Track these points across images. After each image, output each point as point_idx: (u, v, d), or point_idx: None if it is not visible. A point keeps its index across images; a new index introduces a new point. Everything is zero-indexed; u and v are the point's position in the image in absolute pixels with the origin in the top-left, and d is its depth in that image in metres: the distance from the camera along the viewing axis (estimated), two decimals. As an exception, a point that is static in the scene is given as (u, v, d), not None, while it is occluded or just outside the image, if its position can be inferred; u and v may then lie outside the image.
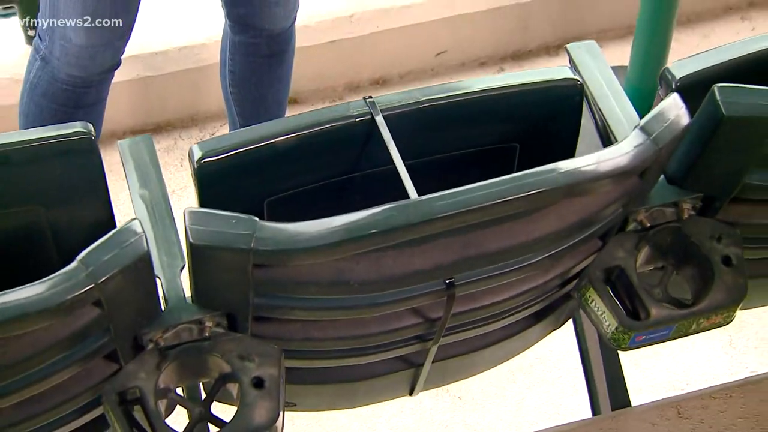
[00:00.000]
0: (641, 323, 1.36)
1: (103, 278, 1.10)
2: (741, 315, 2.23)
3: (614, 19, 3.04)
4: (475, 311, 1.37)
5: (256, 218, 1.13)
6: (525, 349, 1.63)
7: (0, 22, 2.69)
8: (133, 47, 2.15)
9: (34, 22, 2.49)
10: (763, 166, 1.33)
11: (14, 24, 2.67)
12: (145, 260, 1.15)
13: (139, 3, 2.04)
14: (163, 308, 1.28)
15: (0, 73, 2.54)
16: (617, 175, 1.20)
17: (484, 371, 1.64)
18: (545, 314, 1.52)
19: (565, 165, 1.17)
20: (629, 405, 1.70)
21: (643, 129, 1.21)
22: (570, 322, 1.75)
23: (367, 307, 1.28)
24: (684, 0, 2.62)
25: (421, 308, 1.32)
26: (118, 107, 2.40)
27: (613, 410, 1.69)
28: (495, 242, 1.24)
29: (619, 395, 1.71)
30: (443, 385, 1.70)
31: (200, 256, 1.16)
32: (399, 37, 2.80)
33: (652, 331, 1.38)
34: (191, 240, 1.13)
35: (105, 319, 1.17)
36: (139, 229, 1.14)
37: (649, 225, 1.38)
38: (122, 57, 2.09)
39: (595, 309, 1.40)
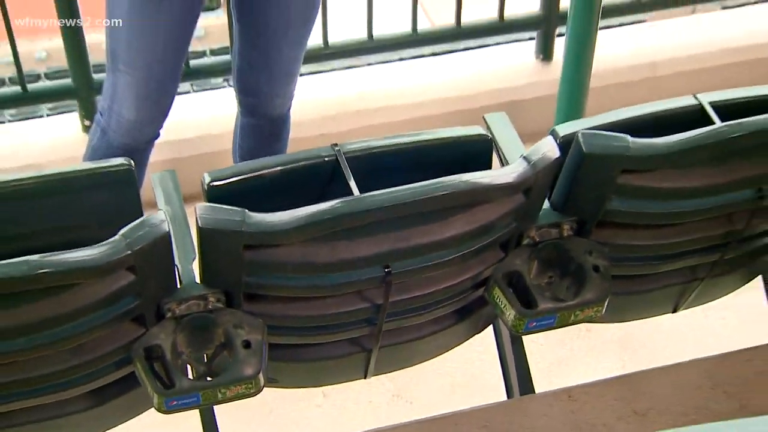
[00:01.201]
0: (532, 311, 1.67)
1: (137, 247, 1.41)
2: (634, 342, 2.54)
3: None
4: (409, 300, 1.67)
5: (246, 210, 1.46)
6: (455, 345, 1.92)
7: (60, 116, 3.06)
8: (164, 134, 2.48)
9: (88, 116, 2.87)
10: (620, 195, 1.64)
11: (71, 118, 3.00)
12: (167, 240, 1.46)
13: (174, 96, 2.39)
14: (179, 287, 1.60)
15: (63, 152, 2.88)
16: (506, 188, 1.53)
17: (422, 361, 1.93)
18: (467, 314, 1.83)
19: (467, 176, 1.49)
20: (533, 392, 1.98)
21: (524, 158, 1.54)
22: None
23: (326, 287, 1.59)
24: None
25: (368, 293, 1.63)
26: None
27: (521, 396, 1.98)
28: (420, 238, 1.54)
29: (526, 385, 2.00)
30: (390, 371, 1.95)
31: (206, 238, 1.47)
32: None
33: (541, 319, 1.69)
34: (200, 225, 1.45)
35: (136, 284, 1.46)
36: (163, 217, 1.46)
37: (538, 240, 1.70)
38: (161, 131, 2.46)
39: (500, 303, 1.70)
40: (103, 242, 1.41)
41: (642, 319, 2.05)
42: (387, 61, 3.31)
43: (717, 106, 1.71)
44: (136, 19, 2.19)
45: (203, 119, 2.89)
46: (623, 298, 1.87)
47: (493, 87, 3.13)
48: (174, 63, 2.34)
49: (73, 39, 2.79)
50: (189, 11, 2.24)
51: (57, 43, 2.83)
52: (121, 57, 2.27)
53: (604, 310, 1.71)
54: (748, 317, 2.62)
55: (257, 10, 2.31)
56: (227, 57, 2.87)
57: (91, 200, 1.63)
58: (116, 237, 1.42)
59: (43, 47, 9.79)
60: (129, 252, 1.41)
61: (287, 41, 2.39)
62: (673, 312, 2.01)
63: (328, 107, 3.07)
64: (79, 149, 2.65)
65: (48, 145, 2.90)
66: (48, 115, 3.36)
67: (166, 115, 2.40)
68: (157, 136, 2.43)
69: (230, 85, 2.58)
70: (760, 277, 2.09)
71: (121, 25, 2.22)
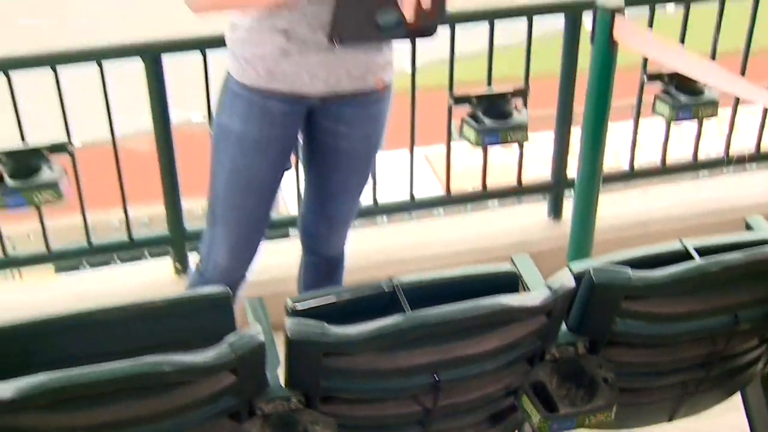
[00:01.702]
0: (555, 415, 1.82)
1: (240, 352, 1.59)
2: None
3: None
4: (453, 405, 1.82)
5: (325, 323, 1.64)
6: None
7: (155, 259, 3.28)
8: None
9: (179, 260, 3.08)
10: (624, 318, 1.82)
11: (165, 262, 3.19)
12: (262, 348, 1.63)
13: (260, 244, 2.56)
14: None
15: (158, 289, 3.01)
16: (532, 310, 1.71)
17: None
18: (500, 419, 1.97)
19: (500, 299, 1.67)
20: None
21: (546, 286, 1.72)
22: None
23: (387, 391, 1.76)
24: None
25: (420, 398, 1.78)
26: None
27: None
28: (463, 351, 1.71)
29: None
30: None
31: (293, 346, 1.64)
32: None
33: (562, 421, 1.84)
34: (289, 335, 1.63)
35: (236, 385, 1.64)
36: (260, 330, 1.64)
37: (558, 357, 1.86)
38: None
39: (528, 409, 1.86)
40: (212, 347, 1.59)
41: (642, 426, 2.17)
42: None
43: (698, 249, 1.88)
44: (233, 182, 2.41)
45: (276, 263, 3.05)
46: (627, 408, 2.01)
47: (513, 240, 3.31)
48: (263, 218, 2.52)
49: (172, 198, 3.03)
50: (278, 170, 2.44)
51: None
52: (219, 212, 2.47)
53: (612, 416, 1.86)
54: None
55: (322, 173, 2.52)
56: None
57: (197, 320, 1.82)
58: (223, 344, 1.60)
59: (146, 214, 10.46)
60: (233, 356, 1.58)
61: (344, 198, 2.59)
62: (668, 421, 2.14)
63: (378, 252, 3.26)
64: (170, 287, 2.85)
65: (146, 283, 3.10)
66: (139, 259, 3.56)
67: (253, 260, 2.56)
68: (246, 278, 2.59)
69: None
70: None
71: (220, 187, 2.44)
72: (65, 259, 3.26)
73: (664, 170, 3.53)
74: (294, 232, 2.86)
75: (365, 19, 2.19)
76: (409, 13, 2.12)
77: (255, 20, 2.24)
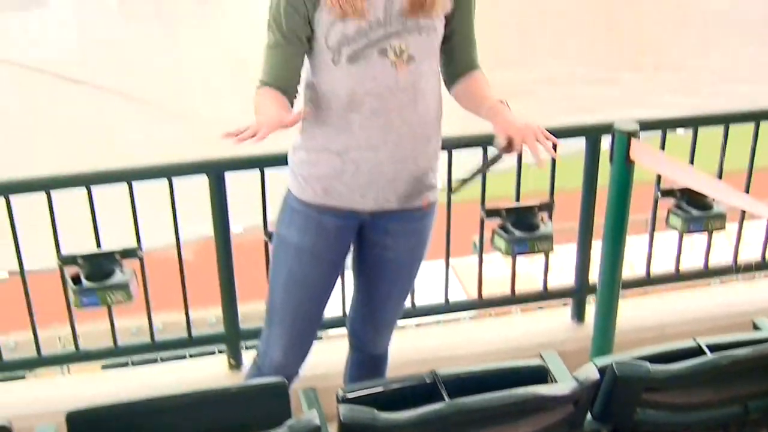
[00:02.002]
0: (581, 496, 1.87)
1: (301, 436, 1.67)
2: None
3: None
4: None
5: (374, 409, 1.71)
6: None
7: (208, 356, 3.37)
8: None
9: (233, 356, 3.16)
10: (645, 408, 1.88)
11: (220, 357, 3.23)
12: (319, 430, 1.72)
13: (311, 344, 2.61)
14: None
15: (214, 383, 3.07)
16: (560, 398, 1.77)
17: None
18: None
19: (532, 388, 1.74)
20: None
21: (573, 377, 1.79)
22: None
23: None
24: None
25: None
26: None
27: None
28: (498, 436, 1.79)
29: None
30: None
31: (346, 431, 1.72)
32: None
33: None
34: (342, 420, 1.71)
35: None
36: (316, 416, 1.72)
37: (584, 444, 1.92)
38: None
39: (556, 491, 1.91)
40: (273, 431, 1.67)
41: None
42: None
43: (710, 346, 1.95)
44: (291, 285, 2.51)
45: (324, 359, 3.10)
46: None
47: (540, 341, 3.35)
48: (316, 319, 2.61)
49: (229, 299, 3.11)
50: (331, 278, 2.54)
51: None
52: (276, 314, 2.56)
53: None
54: None
55: (369, 281, 2.61)
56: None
57: (259, 407, 1.91)
58: (282, 428, 1.68)
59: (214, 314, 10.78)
60: (290, 441, 1.66)
61: (389, 304, 2.67)
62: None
63: (417, 351, 3.28)
64: (225, 380, 2.92)
65: (203, 377, 3.17)
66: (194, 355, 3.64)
67: (306, 357, 2.62)
68: (299, 373, 2.63)
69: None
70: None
71: (278, 291, 2.54)
72: (130, 354, 3.33)
73: (678, 277, 3.59)
74: (342, 331, 2.93)
75: (483, 167, 2.34)
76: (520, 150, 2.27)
77: (314, 143, 2.37)
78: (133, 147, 17.46)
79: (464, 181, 2.34)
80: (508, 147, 2.25)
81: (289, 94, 2.36)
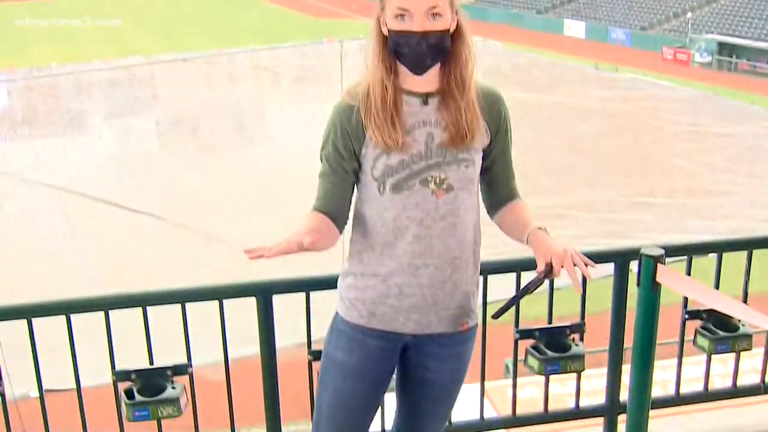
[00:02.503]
0: None
1: None
2: None
3: None
4: None
5: None
6: None
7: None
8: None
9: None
10: None
11: None
12: None
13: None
14: None
15: None
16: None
17: None
18: None
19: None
20: None
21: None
22: None
23: None
24: None
25: None
26: None
27: None
28: None
29: None
30: None
31: None
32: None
33: None
34: None
35: None
36: None
37: None
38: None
39: None
40: None
41: None
42: None
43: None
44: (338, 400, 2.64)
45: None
46: None
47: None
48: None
49: (272, 415, 3.24)
50: (376, 395, 2.67)
51: None
52: (323, 428, 2.69)
53: None
54: None
55: (412, 400, 2.74)
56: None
57: None
58: None
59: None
60: None
61: (431, 423, 2.79)
62: None
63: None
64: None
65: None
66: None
67: None
68: None
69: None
70: None
71: (324, 406, 2.66)
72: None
73: (707, 396, 3.67)
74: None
75: (523, 292, 2.50)
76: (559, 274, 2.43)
77: (361, 268, 2.56)
78: (176, 268, 17.78)
79: (506, 308, 2.50)
80: (549, 272, 2.40)
81: (338, 220, 2.56)
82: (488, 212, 2.70)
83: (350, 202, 2.58)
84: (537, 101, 32.56)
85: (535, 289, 2.49)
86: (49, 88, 38.03)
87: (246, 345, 3.94)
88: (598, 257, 3.36)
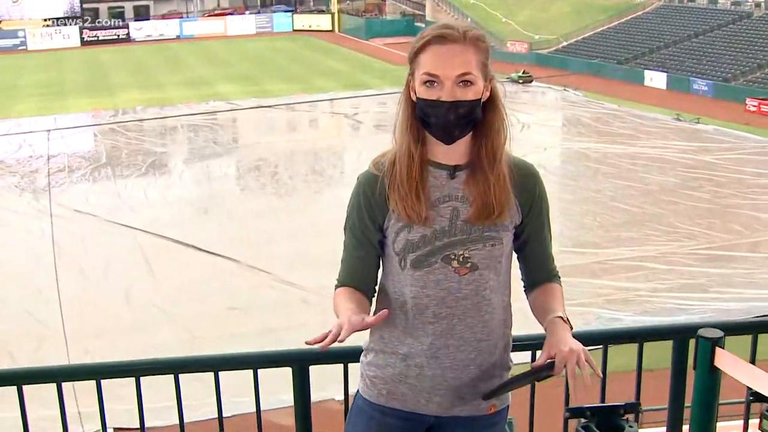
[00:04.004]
0: None
1: None
2: None
3: None
4: None
5: None
6: None
7: None
8: None
9: None
10: None
11: None
12: None
13: None
14: None
15: None
16: None
17: None
18: None
19: None
20: None
21: None
22: None
23: None
24: None
25: None
26: None
27: None
28: None
29: None
30: None
31: None
32: None
33: None
34: None
35: None
36: None
37: None
38: None
39: None
40: None
41: None
42: None
43: None
44: None
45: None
46: None
47: None
48: None
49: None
50: None
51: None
52: None
53: None
54: None
55: None
56: None
57: None
58: None
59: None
60: None
61: None
62: None
63: None
64: None
65: None
66: None
67: None
68: None
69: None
70: None
71: None
72: None
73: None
74: None
75: (519, 380, 2.35)
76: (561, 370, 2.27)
77: (381, 345, 2.42)
78: (246, 312, 17.89)
79: (496, 392, 2.33)
80: (549, 367, 2.25)
81: (366, 293, 2.43)
82: (524, 290, 2.55)
83: (377, 275, 2.46)
84: (617, 152, 32.11)
85: (528, 383, 2.33)
86: (133, 130, 38.85)
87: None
88: (654, 334, 3.19)
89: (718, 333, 2.70)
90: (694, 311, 18.12)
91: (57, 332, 17.82)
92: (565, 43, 58.05)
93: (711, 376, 2.69)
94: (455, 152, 2.37)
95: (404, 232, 2.36)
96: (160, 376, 2.92)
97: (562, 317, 2.39)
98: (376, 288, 2.48)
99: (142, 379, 2.91)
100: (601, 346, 3.15)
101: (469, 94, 2.31)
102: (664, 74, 47.80)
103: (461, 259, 2.35)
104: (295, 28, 77.71)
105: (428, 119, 2.32)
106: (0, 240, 24.01)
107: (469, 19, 61.65)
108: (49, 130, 38.23)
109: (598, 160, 31.17)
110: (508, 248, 2.42)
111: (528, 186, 2.44)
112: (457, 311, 2.37)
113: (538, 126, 37.14)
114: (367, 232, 2.41)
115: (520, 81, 47.29)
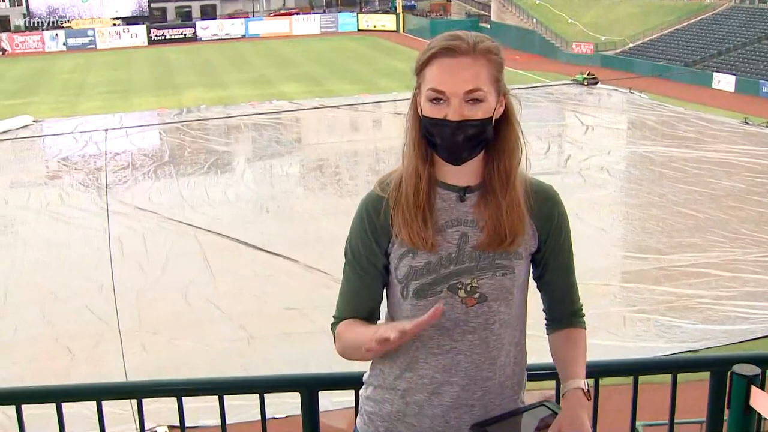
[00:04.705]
0: None
1: None
2: None
3: None
4: None
5: None
6: None
7: None
8: None
9: None
10: None
11: None
12: None
13: None
14: None
15: None
16: None
17: None
18: None
19: None
20: None
21: None
22: None
23: None
24: None
25: None
26: None
27: None
28: None
29: None
30: None
31: None
32: None
33: None
34: None
35: None
36: None
37: None
38: None
39: None
40: None
41: None
42: None
43: None
44: None
45: None
46: None
47: None
48: None
49: None
50: None
51: None
52: None
53: None
54: None
55: None
56: None
57: None
58: None
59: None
60: None
61: None
62: None
63: None
64: None
65: None
66: None
67: None
68: None
69: None
70: None
71: None
72: None
73: None
74: None
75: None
76: None
77: (380, 380, 2.26)
78: (301, 313, 17.89)
79: (486, 423, 2.14)
80: None
81: (373, 323, 2.27)
82: (546, 327, 2.34)
83: (380, 304, 2.29)
84: (682, 156, 31.44)
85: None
86: (197, 129, 39.20)
87: None
88: (690, 364, 2.98)
89: (755, 370, 2.48)
90: (758, 320, 17.61)
91: (116, 329, 18.00)
92: (631, 45, 57.07)
93: (746, 417, 2.48)
94: (466, 172, 2.20)
95: (407, 258, 2.18)
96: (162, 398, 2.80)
97: (582, 389, 2.18)
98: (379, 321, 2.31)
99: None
100: (632, 376, 2.95)
101: (479, 113, 2.12)
102: (733, 77, 46.71)
103: (469, 289, 2.17)
104: (359, 28, 77.78)
105: (434, 139, 2.14)
106: (64, 236, 24.35)
107: (534, 20, 61.01)
108: (113, 128, 38.79)
109: (663, 163, 30.53)
110: (522, 279, 2.23)
111: (545, 210, 2.24)
112: (462, 346, 2.18)
113: (603, 128, 36.59)
114: (374, 259, 2.23)
115: (585, 83, 46.65)
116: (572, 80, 46.56)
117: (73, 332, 17.85)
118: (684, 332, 17.25)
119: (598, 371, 2.85)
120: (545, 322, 2.36)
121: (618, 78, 47.62)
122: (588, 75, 47.65)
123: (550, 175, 28.27)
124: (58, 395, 2.82)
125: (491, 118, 2.14)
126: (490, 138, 2.15)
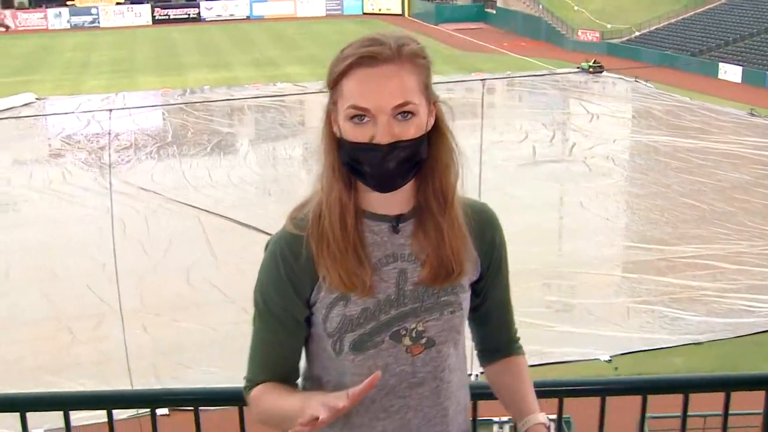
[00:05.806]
0: None
1: None
2: None
3: None
4: None
5: None
6: None
7: None
8: None
9: None
10: None
11: None
12: None
13: None
14: None
15: None
16: None
17: None
18: None
19: None
20: None
21: None
22: None
23: None
24: None
25: None
26: None
27: None
28: None
29: None
30: None
31: None
32: None
33: None
34: None
35: None
36: None
37: None
38: None
39: None
40: None
41: None
42: None
43: None
44: None
45: None
46: None
47: None
48: None
49: None
50: None
51: None
52: None
53: None
54: None
55: None
56: None
57: None
58: None
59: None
60: None
61: None
62: None
63: None
64: None
65: None
66: None
67: None
68: None
69: None
70: None
71: None
72: None
73: None
74: None
75: None
76: None
77: None
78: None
79: None
80: None
81: (293, 384, 1.94)
82: (478, 358, 2.07)
83: (299, 362, 1.95)
84: (687, 146, 31.21)
85: None
86: (200, 110, 38.95)
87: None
88: (742, 383, 2.79)
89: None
90: (763, 314, 17.47)
91: (117, 309, 17.83)
92: (637, 33, 56.72)
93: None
94: (396, 199, 1.87)
95: (339, 307, 1.84)
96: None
97: (544, 424, 1.92)
98: (299, 381, 1.96)
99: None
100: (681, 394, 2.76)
101: (411, 130, 1.79)
102: (740, 67, 46.42)
103: (414, 335, 1.85)
104: (365, 11, 77.33)
105: (360, 167, 1.82)
106: (66, 215, 24.19)
107: (540, 6, 60.61)
108: (117, 108, 38.54)
109: (668, 153, 30.30)
110: (466, 313, 1.94)
111: (487, 234, 1.95)
112: (411, 401, 1.87)
113: (608, 117, 36.35)
114: (292, 309, 1.87)
115: (591, 71, 46.37)
116: (578, 68, 46.23)
117: (74, 312, 17.71)
118: (688, 324, 17.11)
119: (647, 388, 2.66)
120: (477, 353, 2.08)
121: (624, 67, 47.34)
122: (594, 63, 47.36)
123: (555, 163, 28.07)
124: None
125: (425, 135, 1.83)
126: (425, 157, 1.83)
